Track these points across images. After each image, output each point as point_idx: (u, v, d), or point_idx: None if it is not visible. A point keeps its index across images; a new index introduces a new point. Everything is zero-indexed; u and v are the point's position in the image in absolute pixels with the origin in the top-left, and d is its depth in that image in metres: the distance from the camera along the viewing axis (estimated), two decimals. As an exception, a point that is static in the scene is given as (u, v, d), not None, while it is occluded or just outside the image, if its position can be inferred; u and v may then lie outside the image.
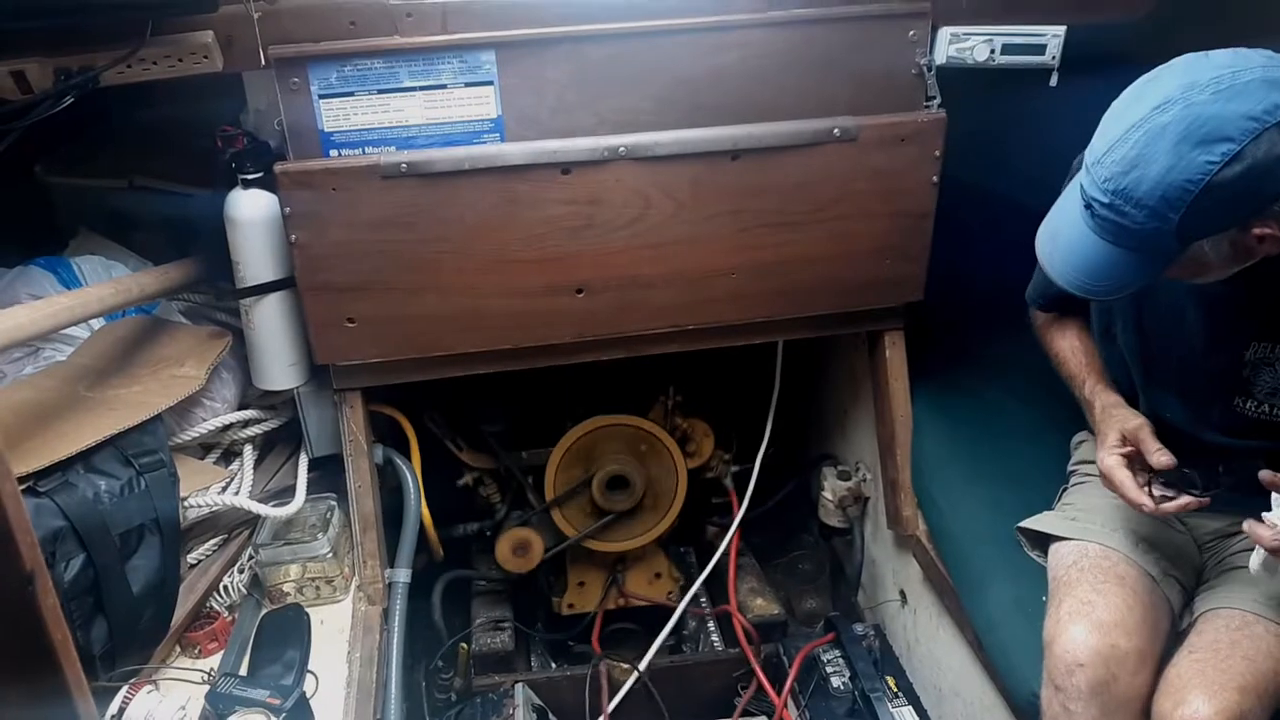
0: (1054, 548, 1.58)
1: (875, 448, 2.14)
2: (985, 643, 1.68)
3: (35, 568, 0.99)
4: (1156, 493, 1.38)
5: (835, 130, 1.72)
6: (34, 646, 1.01)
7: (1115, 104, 1.23)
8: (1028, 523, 1.64)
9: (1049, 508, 1.68)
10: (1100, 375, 1.59)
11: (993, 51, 1.73)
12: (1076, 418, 1.72)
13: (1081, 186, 1.24)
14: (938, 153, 1.78)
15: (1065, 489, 1.72)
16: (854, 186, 1.77)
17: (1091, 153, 1.22)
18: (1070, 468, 1.76)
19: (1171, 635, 1.46)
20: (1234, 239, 1.20)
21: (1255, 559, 1.31)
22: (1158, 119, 1.15)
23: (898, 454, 2.02)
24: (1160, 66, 1.21)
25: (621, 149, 1.66)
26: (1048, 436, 1.85)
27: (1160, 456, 1.38)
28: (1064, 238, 1.29)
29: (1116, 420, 1.46)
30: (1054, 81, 1.77)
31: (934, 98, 1.77)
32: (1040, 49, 1.74)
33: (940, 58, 1.73)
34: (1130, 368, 1.53)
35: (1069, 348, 1.64)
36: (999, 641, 1.64)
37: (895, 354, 2.00)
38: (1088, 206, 1.23)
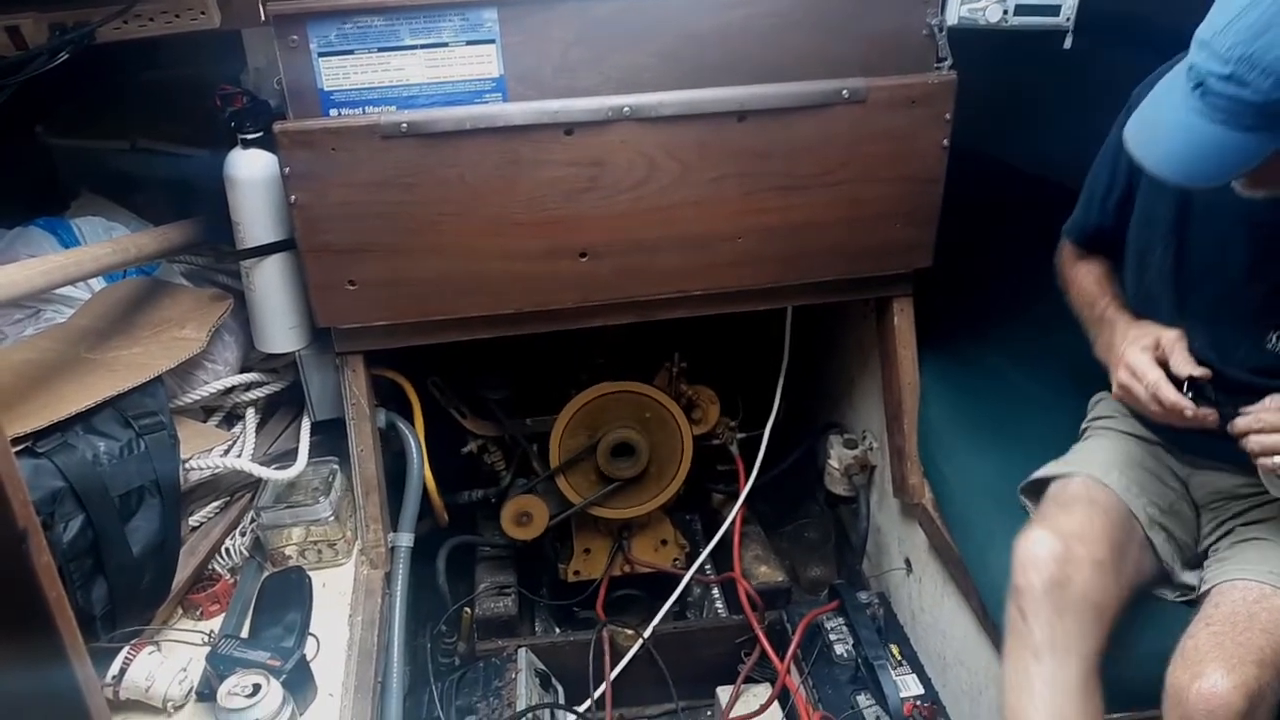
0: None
1: (882, 416, 2.12)
2: (990, 610, 1.67)
3: (28, 525, 0.98)
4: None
5: (844, 91, 1.69)
6: (28, 606, 1.00)
7: None
8: (1029, 479, 1.64)
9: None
10: (1118, 299, 1.56)
11: (1005, 12, 1.69)
12: (1084, 385, 1.70)
13: (1192, 66, 1.18)
14: (948, 115, 1.75)
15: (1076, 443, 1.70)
16: (863, 149, 1.75)
17: (1209, 28, 1.16)
18: (1083, 426, 1.73)
19: (1154, 581, 1.49)
20: None
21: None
22: None
23: (904, 422, 2.00)
24: None
25: (626, 109, 1.64)
26: (1055, 405, 1.83)
27: (1192, 368, 1.35)
28: (1165, 126, 1.23)
29: (1150, 329, 1.44)
30: (1068, 44, 1.72)
31: (945, 59, 1.73)
32: (1054, 9, 1.69)
33: (952, 18, 1.70)
34: (1160, 299, 1.50)
35: (1089, 272, 1.63)
36: (1003, 608, 1.63)
37: (903, 321, 1.97)
38: (1198, 85, 1.17)
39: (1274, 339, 1.38)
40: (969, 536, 1.78)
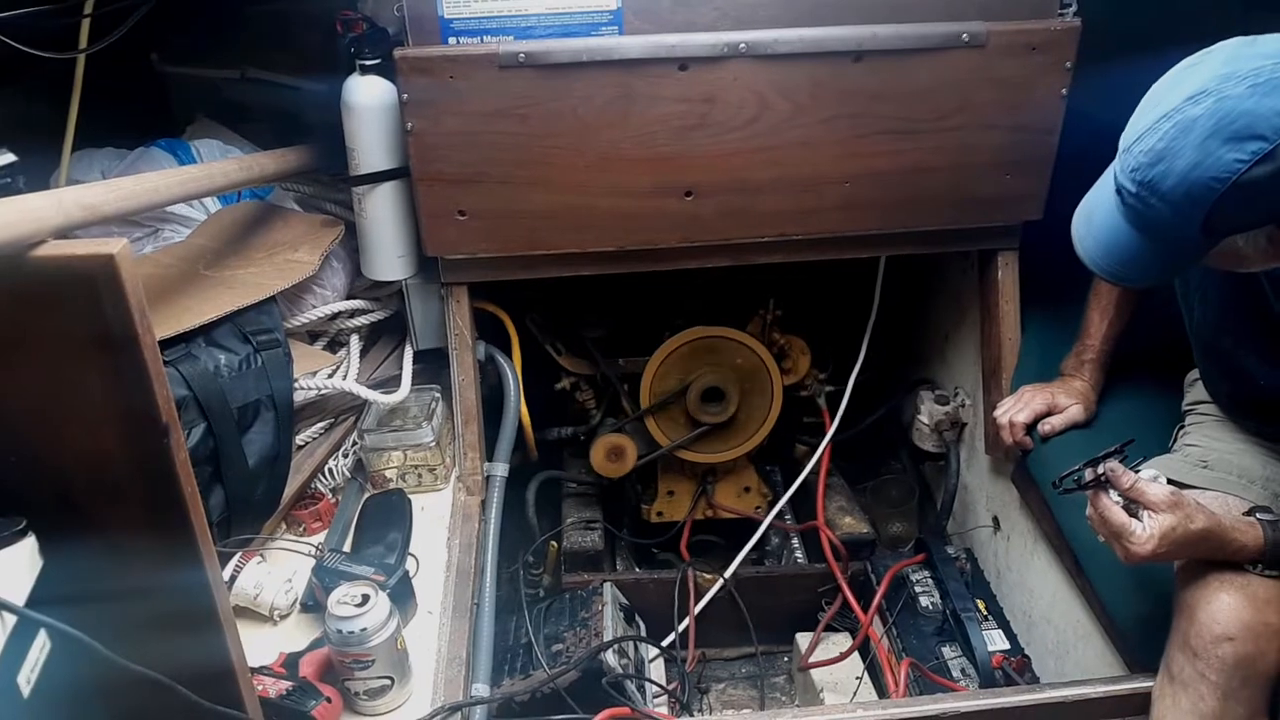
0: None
1: (976, 372, 2.10)
2: (1085, 566, 1.65)
3: (171, 421, 1.02)
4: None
5: (964, 35, 1.66)
6: (168, 499, 1.04)
7: (1154, 87, 1.18)
8: (1142, 465, 1.59)
9: (1155, 442, 1.62)
10: (1102, 347, 1.76)
11: (1137, -46, 1.65)
12: (1185, 350, 1.66)
13: (1114, 171, 1.21)
14: (1069, 64, 1.71)
15: (1182, 429, 1.66)
16: (979, 96, 1.71)
17: (1124, 137, 1.18)
18: (1185, 407, 1.69)
19: None
20: (1271, 234, 1.15)
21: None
22: (1189, 111, 1.10)
23: (1002, 378, 1.97)
24: (1204, 50, 1.16)
25: (741, 45, 1.62)
26: (1153, 368, 1.79)
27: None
28: (1098, 220, 1.26)
29: (1073, 392, 1.74)
30: (1199, -6, 1.68)
31: (1069, 5, 1.69)
32: (1188, -45, 1.65)
33: (1080, -40, 1.65)
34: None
35: (1107, 294, 1.74)
36: (1099, 566, 1.61)
37: (1008, 275, 1.94)
38: (1118, 192, 1.20)
39: None
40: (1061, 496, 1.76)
